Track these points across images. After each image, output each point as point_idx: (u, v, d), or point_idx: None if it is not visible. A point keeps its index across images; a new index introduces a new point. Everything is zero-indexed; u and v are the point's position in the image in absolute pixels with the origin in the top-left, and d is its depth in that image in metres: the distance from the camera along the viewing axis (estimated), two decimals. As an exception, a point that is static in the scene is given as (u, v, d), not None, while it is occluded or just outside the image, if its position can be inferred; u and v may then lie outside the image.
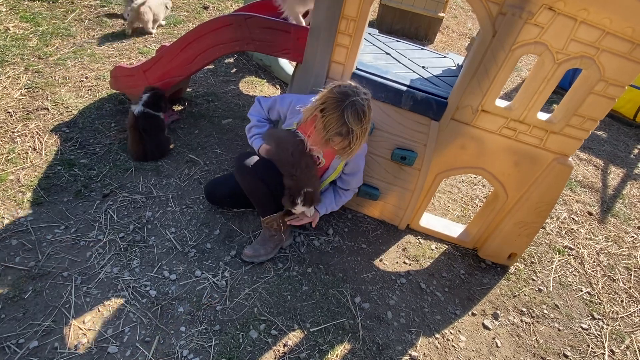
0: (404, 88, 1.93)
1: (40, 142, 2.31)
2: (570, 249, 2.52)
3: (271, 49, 2.07)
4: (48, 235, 1.84)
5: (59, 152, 2.27)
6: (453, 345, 1.79)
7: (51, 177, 2.11)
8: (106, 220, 1.96)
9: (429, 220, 2.32)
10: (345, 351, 1.66)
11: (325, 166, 1.90)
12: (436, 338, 1.80)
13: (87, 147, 2.36)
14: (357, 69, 1.97)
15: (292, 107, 1.86)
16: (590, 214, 2.92)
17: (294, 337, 1.66)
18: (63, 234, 1.85)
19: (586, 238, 2.66)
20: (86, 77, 2.98)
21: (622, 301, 2.24)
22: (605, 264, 2.47)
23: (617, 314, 2.15)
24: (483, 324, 1.92)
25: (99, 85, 2.93)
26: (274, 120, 2.00)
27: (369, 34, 2.56)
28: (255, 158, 1.90)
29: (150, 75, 2.43)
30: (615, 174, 3.55)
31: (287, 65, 3.55)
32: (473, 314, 1.95)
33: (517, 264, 2.29)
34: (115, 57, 3.35)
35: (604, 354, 1.93)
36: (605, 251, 2.58)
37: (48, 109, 2.57)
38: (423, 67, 2.26)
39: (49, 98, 2.66)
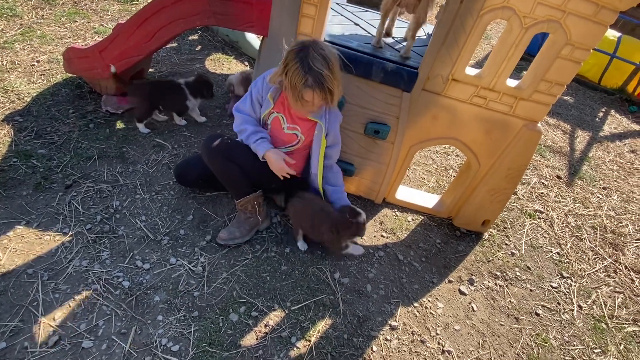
0: (374, 59, 1.88)
1: (-9, 133, 2.15)
2: (541, 212, 2.61)
3: (233, 22, 1.97)
4: (8, 232, 1.74)
5: (13, 143, 2.12)
6: (431, 313, 1.84)
7: (7, 170, 1.98)
8: (71, 213, 1.86)
9: (404, 193, 2.33)
10: (327, 326, 1.67)
11: (307, 142, 1.86)
12: (415, 307, 1.84)
13: (44, 137, 2.22)
14: (325, 40, 1.90)
15: (265, 81, 1.79)
16: (559, 177, 3.01)
17: (275, 317, 1.66)
18: (25, 230, 1.76)
19: (555, 201, 2.75)
20: (37, 61, 2.78)
21: (588, 259, 2.35)
22: (573, 225, 2.58)
23: (584, 272, 2.26)
24: (459, 290, 1.97)
25: (52, 69, 2.74)
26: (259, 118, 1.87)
27: (337, 3, 2.47)
28: (225, 139, 1.83)
29: (107, 56, 2.28)
30: (582, 138, 3.66)
31: (255, 40, 3.42)
32: (449, 281, 2.00)
33: (491, 230, 2.36)
34: (69, 38, 3.13)
35: (572, 309, 2.03)
36: (573, 212, 2.69)
37: (-3, 97, 2.39)
38: (393, 38, 2.21)
39: (-3, 85, 2.47)
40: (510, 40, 1.68)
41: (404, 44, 2.16)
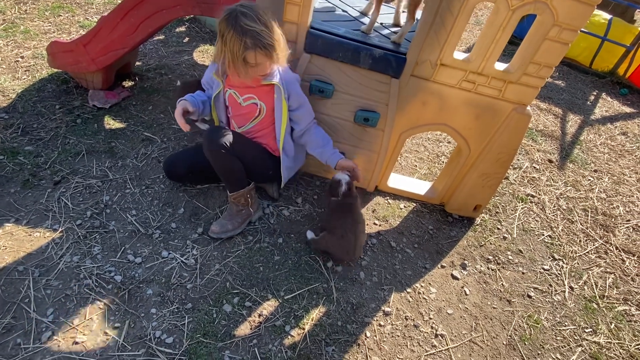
0: (362, 46, 1.86)
1: (-24, 131, 2.12)
2: (533, 196, 2.62)
3: (218, 12, 1.93)
4: (-3, 229, 1.72)
5: (-1, 141, 2.10)
6: (424, 298, 1.85)
7: (-7, 168, 1.96)
8: (60, 209, 1.85)
9: (396, 180, 2.34)
10: (320, 314, 1.68)
11: (270, 111, 1.84)
12: (408, 292, 1.85)
13: (30, 133, 2.19)
14: (311, 27, 1.87)
15: (212, 62, 1.81)
16: (550, 161, 3.03)
17: (268, 307, 1.67)
18: (14, 227, 1.74)
19: (547, 185, 2.77)
20: (22, 57, 2.73)
21: (579, 241, 2.37)
22: (565, 208, 2.60)
23: (576, 253, 2.28)
24: (452, 274, 1.98)
25: (37, 64, 2.70)
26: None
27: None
28: (228, 132, 1.78)
29: (92, 49, 2.24)
30: (574, 121, 3.67)
31: (243, 31, 3.37)
32: (442, 266, 2.01)
33: (483, 215, 2.37)
34: (53, 32, 3.08)
35: (564, 291, 2.05)
36: (565, 195, 2.70)
37: (-19, 94, 2.35)
38: (381, 24, 2.19)
39: (-19, 82, 2.43)
40: (497, 23, 1.67)
41: (393, 29, 2.14)
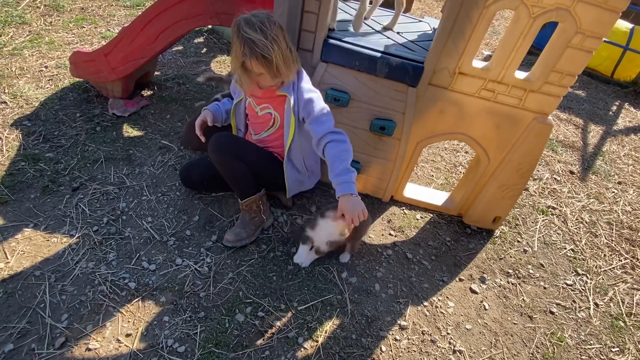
0: (379, 54, 1.85)
1: (1, 138, 2.18)
2: (554, 208, 2.54)
3: (236, 21, 1.96)
4: (16, 234, 1.75)
5: (21, 147, 2.15)
6: (442, 312, 1.79)
7: (15, 174, 2.00)
8: (78, 215, 1.87)
9: (412, 190, 2.29)
10: (334, 326, 1.64)
11: (282, 120, 1.82)
12: (425, 306, 1.80)
13: (51, 140, 2.24)
14: (328, 37, 1.88)
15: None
16: (572, 172, 2.94)
17: (281, 317, 1.64)
18: (32, 232, 1.77)
19: (569, 197, 2.68)
20: (46, 67, 2.82)
21: (604, 255, 2.28)
22: (588, 221, 2.50)
23: (600, 268, 2.19)
24: (470, 288, 1.92)
25: (60, 74, 2.78)
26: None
27: (341, 1, 2.44)
28: (232, 136, 1.82)
29: (112, 59, 2.30)
30: (595, 132, 3.57)
31: (260, 42, 3.41)
32: (460, 280, 1.95)
33: (502, 227, 2.30)
34: (76, 43, 3.17)
35: (588, 307, 1.96)
36: (588, 208, 2.61)
37: (6, 102, 2.42)
38: (398, 33, 2.18)
39: (6, 91, 2.51)
40: (518, 31, 1.64)
41: (409, 37, 2.13)
